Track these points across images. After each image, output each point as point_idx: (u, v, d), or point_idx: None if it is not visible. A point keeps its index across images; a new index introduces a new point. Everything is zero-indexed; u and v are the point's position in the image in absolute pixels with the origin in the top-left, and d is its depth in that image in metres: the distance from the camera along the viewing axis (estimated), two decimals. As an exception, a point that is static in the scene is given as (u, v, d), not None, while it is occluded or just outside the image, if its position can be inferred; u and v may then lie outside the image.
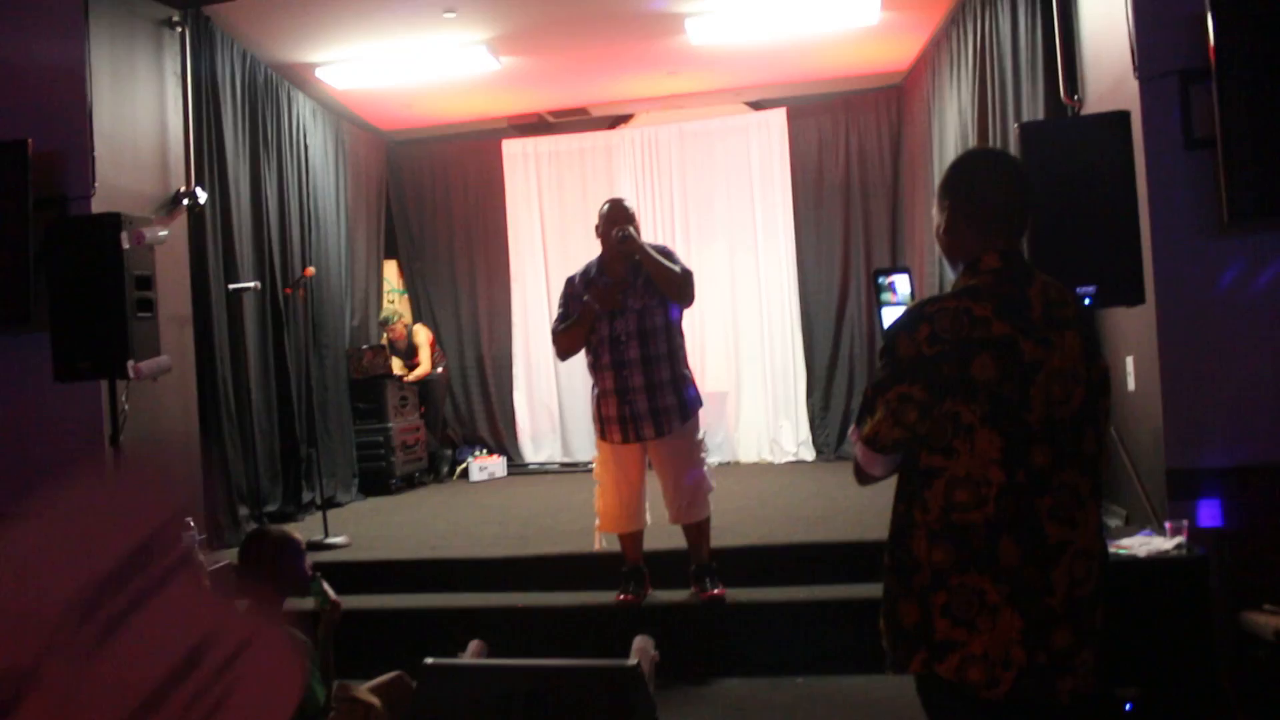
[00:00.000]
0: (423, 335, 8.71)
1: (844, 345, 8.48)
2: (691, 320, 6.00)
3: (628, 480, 4.53)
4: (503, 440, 9.02)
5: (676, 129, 8.83)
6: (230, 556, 4.38)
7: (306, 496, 6.79)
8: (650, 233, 7.97)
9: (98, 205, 4.95)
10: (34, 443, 5.01)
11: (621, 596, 4.53)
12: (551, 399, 8.96)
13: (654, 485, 4.60)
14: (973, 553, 1.90)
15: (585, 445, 8.44)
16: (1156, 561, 3.68)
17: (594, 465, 4.74)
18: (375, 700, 3.12)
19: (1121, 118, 3.93)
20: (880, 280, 2.32)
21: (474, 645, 3.70)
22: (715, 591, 4.49)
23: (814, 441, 8.41)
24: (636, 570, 4.59)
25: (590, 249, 4.69)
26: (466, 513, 6.84)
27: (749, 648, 4.45)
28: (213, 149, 6.11)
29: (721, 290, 8.56)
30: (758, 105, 8.77)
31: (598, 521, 4.65)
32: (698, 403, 4.58)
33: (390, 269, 9.29)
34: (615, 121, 9.09)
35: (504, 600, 4.79)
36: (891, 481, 2.08)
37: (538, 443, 9.04)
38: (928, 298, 2.02)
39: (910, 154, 8.08)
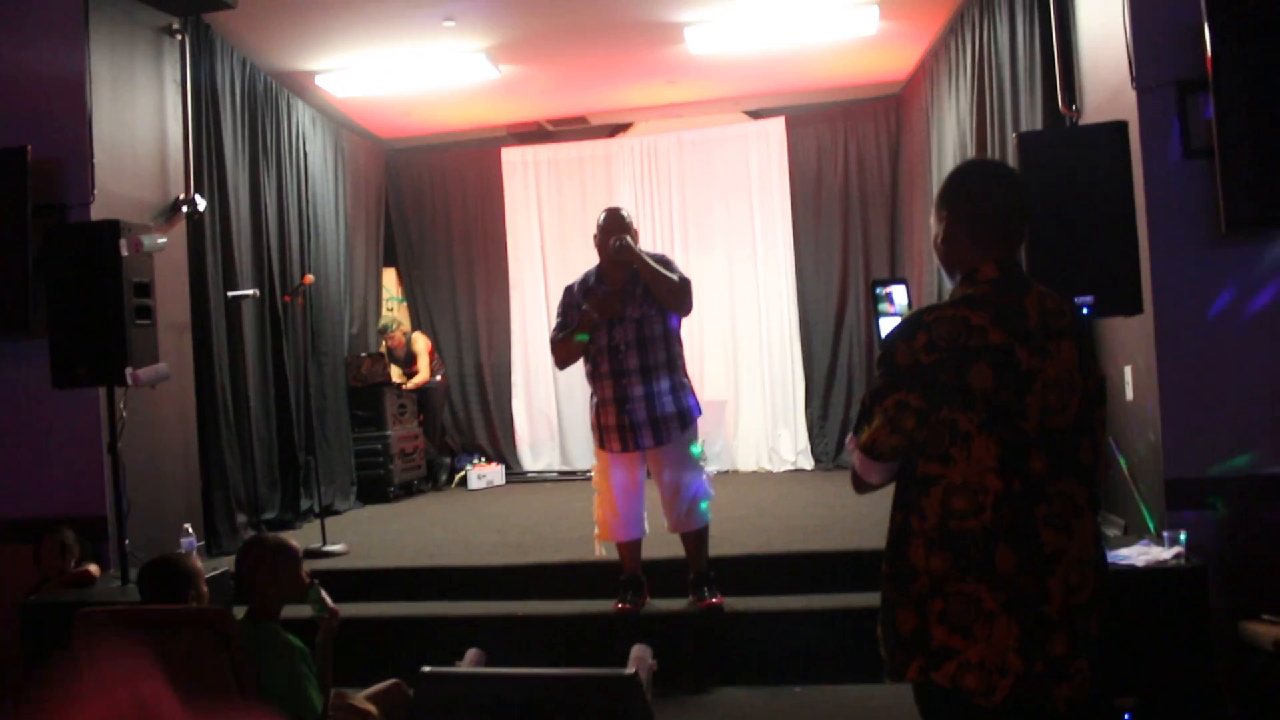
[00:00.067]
0: (421, 343, 8.72)
1: (842, 354, 8.48)
2: (690, 329, 6.01)
3: (626, 489, 4.52)
4: (501, 448, 9.02)
5: (675, 138, 8.85)
6: (228, 564, 4.37)
7: (305, 504, 6.79)
8: (649, 241, 7.99)
9: (97, 212, 4.95)
10: (32, 450, 5.01)
11: (619, 605, 4.53)
12: (550, 407, 8.96)
13: (652, 493, 4.60)
14: (970, 560, 1.90)
15: (584, 453, 8.44)
16: (1155, 571, 3.68)
17: (592, 474, 4.74)
18: (372, 708, 3.12)
19: (1119, 128, 3.94)
20: (878, 291, 2.32)
21: (471, 654, 3.70)
22: (713, 600, 4.48)
23: (812, 450, 8.41)
24: (634, 579, 4.58)
25: (589, 257, 4.70)
26: (464, 521, 6.83)
27: (747, 657, 4.44)
28: (212, 156, 6.12)
29: (720, 299, 8.56)
30: (757, 114, 8.79)
31: (596, 530, 4.64)
32: (696, 411, 4.58)
33: (389, 277, 9.29)
34: (614, 130, 9.10)
35: (502, 609, 4.78)
36: (889, 491, 2.08)
37: (536, 451, 9.04)
38: (925, 306, 2.03)
39: (909, 163, 8.09)
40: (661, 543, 4.74)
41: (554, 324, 4.70)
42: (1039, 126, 4.94)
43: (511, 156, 9.13)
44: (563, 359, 4.62)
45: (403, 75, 7.17)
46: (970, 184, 2.11)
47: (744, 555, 5.04)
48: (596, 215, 4.65)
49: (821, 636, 4.38)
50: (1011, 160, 4.41)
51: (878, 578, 2.05)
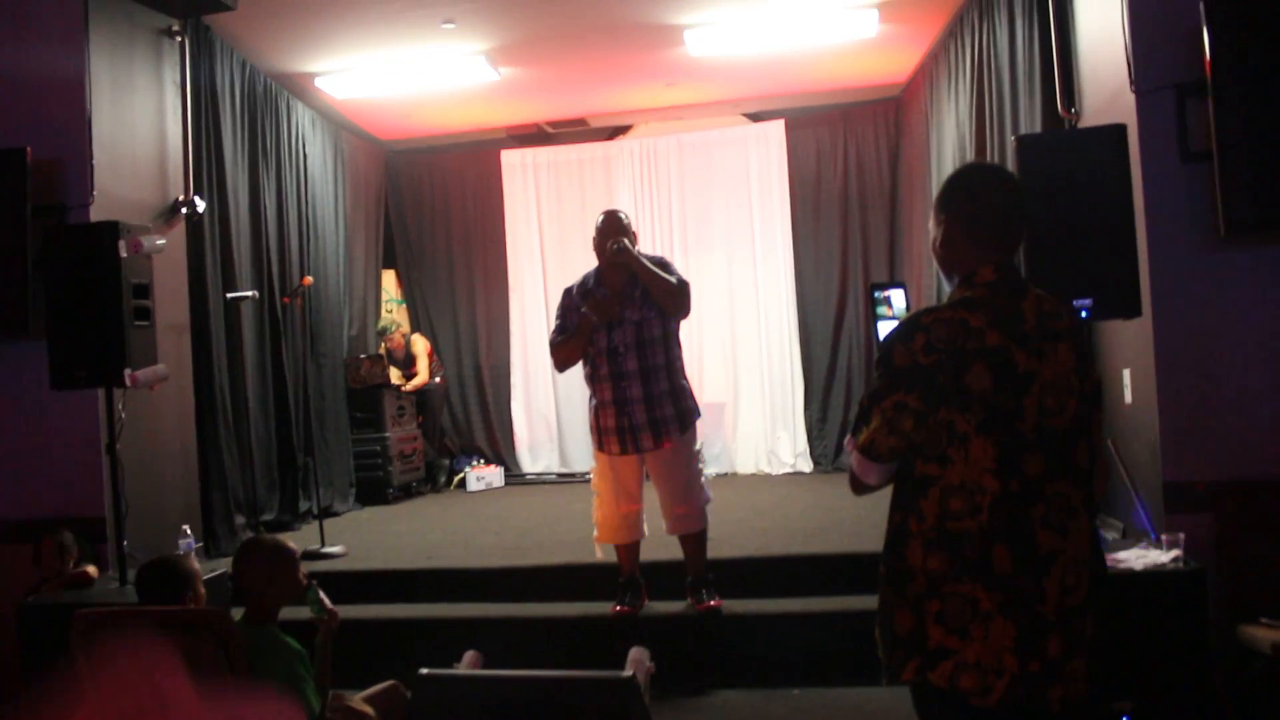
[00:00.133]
0: (420, 345, 8.72)
1: (842, 356, 8.49)
2: (689, 331, 6.01)
3: (625, 491, 4.52)
4: (500, 450, 9.02)
5: (675, 140, 8.85)
6: (227, 565, 4.37)
7: (303, 506, 6.79)
8: (648, 243, 8.00)
9: (96, 214, 4.95)
10: (31, 450, 5.01)
11: (618, 608, 4.52)
12: (549, 409, 8.96)
13: (651, 496, 4.59)
14: (966, 561, 1.91)
15: (583, 455, 8.43)
16: (1153, 575, 3.68)
17: (591, 476, 4.74)
18: (370, 710, 3.11)
19: (1118, 131, 3.95)
20: (876, 294, 2.34)
21: (469, 656, 3.70)
22: (712, 603, 4.48)
23: (811, 453, 8.41)
24: (633, 581, 4.58)
25: (588, 260, 4.70)
26: (463, 523, 6.83)
27: (745, 659, 4.43)
28: (212, 158, 6.12)
29: (719, 301, 8.57)
30: (756, 117, 8.80)
31: (595, 532, 4.64)
32: (696, 413, 4.58)
33: (388, 278, 9.30)
34: (614, 132, 9.11)
35: (500, 611, 4.78)
36: (887, 493, 2.08)
37: (535, 453, 9.04)
38: (923, 309, 2.03)
39: (908, 166, 8.10)
40: (660, 545, 4.74)
41: (553, 326, 4.70)
42: (1038, 129, 4.94)
43: (511, 158, 9.13)
44: (562, 362, 4.62)
45: (402, 77, 7.17)
46: (968, 188, 2.12)
47: (742, 558, 5.04)
48: (596, 217, 4.65)
49: (820, 639, 4.37)
50: (1011, 163, 4.42)
51: (876, 580, 2.05)
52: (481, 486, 8.49)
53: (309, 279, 6.72)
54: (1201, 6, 3.86)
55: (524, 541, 5.88)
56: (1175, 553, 3.74)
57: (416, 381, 8.51)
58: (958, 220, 2.08)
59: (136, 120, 5.50)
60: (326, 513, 6.48)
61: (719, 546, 4.85)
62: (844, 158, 8.59)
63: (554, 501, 7.45)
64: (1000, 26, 5.57)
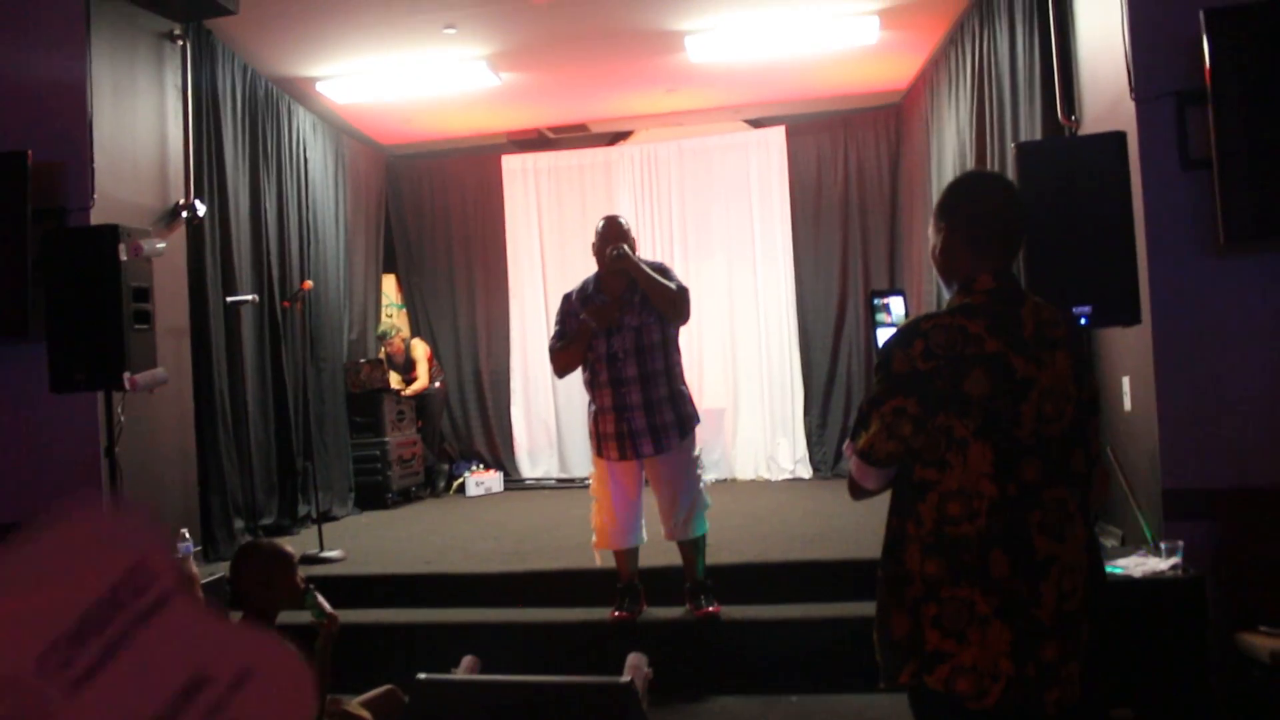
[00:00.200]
0: (420, 349, 8.72)
1: (841, 362, 8.49)
2: (689, 337, 6.01)
3: (624, 497, 4.52)
4: (500, 455, 9.01)
5: (676, 146, 8.86)
6: (225, 569, 4.36)
7: (302, 510, 6.78)
8: (649, 249, 8.01)
9: (96, 217, 4.95)
10: (30, 453, 5.01)
11: (616, 613, 4.52)
12: (549, 414, 8.96)
13: (650, 501, 4.59)
14: (964, 565, 1.92)
15: (582, 461, 8.42)
16: (1152, 582, 3.67)
17: (590, 481, 4.73)
18: (367, 714, 3.11)
19: (1118, 138, 3.95)
20: (876, 301, 2.35)
21: (467, 661, 3.70)
22: (710, 609, 4.47)
23: (811, 459, 8.41)
24: (631, 587, 4.58)
25: (588, 265, 4.70)
26: (462, 528, 6.83)
27: (744, 665, 4.43)
28: (212, 162, 6.13)
29: (719, 307, 8.57)
30: (757, 123, 8.81)
31: (594, 538, 4.64)
32: (695, 419, 4.58)
33: (389, 283, 9.30)
34: (615, 138, 9.12)
35: (498, 616, 4.77)
36: (886, 499, 2.09)
37: (535, 458, 9.03)
38: (923, 315, 2.05)
39: (908, 172, 8.10)
40: (659, 551, 4.73)
41: (553, 332, 4.70)
42: (1038, 137, 4.95)
43: (511, 164, 9.14)
44: (562, 367, 4.62)
45: (403, 82, 7.18)
46: (968, 196, 2.13)
47: (741, 564, 5.04)
48: (596, 223, 4.66)
49: (818, 645, 4.37)
50: (1011, 170, 4.42)
51: (874, 585, 2.05)
52: (481, 491, 8.48)
53: (309, 283, 6.72)
54: (1201, 15, 3.86)
55: (523, 547, 5.87)
56: (1174, 560, 3.73)
57: (416, 386, 8.51)
58: (957, 228, 2.09)
59: (137, 124, 5.51)
60: (325, 517, 6.48)
61: (718, 552, 4.85)
62: (844, 164, 8.60)
63: (553, 507, 7.44)
64: (1001, 34, 5.57)
